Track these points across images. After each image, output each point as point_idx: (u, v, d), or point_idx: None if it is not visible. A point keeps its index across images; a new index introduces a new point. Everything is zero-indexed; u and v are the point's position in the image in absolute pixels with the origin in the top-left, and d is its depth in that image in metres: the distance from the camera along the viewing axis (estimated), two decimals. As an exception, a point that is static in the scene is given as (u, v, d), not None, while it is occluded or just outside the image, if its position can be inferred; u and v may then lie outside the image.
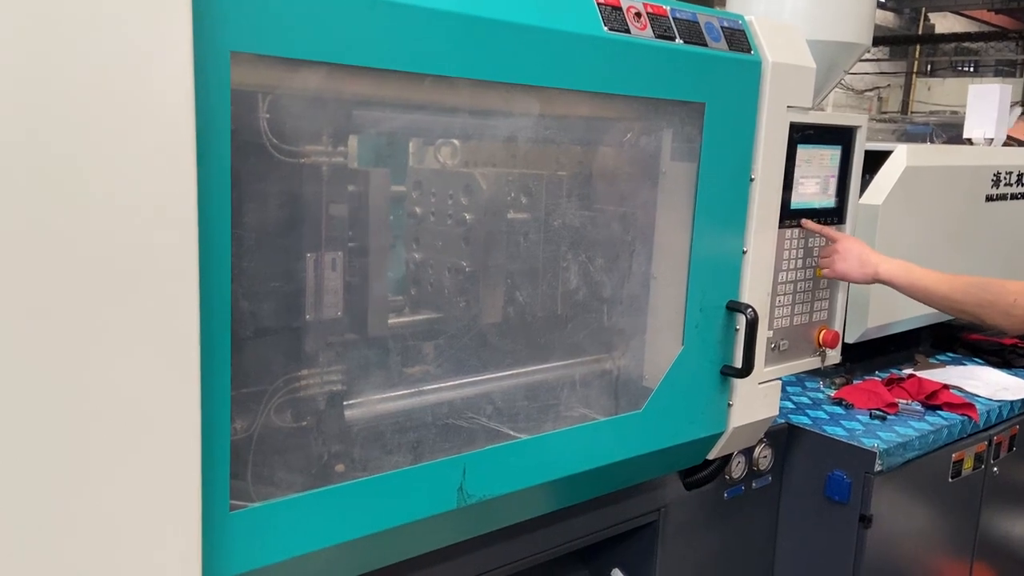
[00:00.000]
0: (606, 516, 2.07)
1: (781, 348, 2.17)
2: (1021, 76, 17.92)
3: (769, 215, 1.99)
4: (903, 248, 2.51)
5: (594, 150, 1.92)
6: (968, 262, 2.94)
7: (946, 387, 2.81)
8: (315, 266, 1.48)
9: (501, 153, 1.81)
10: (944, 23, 18.60)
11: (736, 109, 1.86)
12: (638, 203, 1.96)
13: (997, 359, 3.26)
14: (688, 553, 2.32)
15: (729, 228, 1.92)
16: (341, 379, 1.56)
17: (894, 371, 3.03)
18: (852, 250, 2.18)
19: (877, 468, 2.37)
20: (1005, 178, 3.18)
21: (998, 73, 19.59)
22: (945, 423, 2.59)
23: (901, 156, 2.73)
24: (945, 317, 2.91)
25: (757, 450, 2.40)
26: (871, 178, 2.70)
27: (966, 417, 2.66)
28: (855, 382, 2.88)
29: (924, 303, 2.20)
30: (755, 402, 2.06)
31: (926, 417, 2.64)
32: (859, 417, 2.61)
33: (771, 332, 2.12)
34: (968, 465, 2.70)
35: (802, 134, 2.08)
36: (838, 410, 2.67)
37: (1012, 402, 2.84)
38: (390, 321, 1.69)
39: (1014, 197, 3.24)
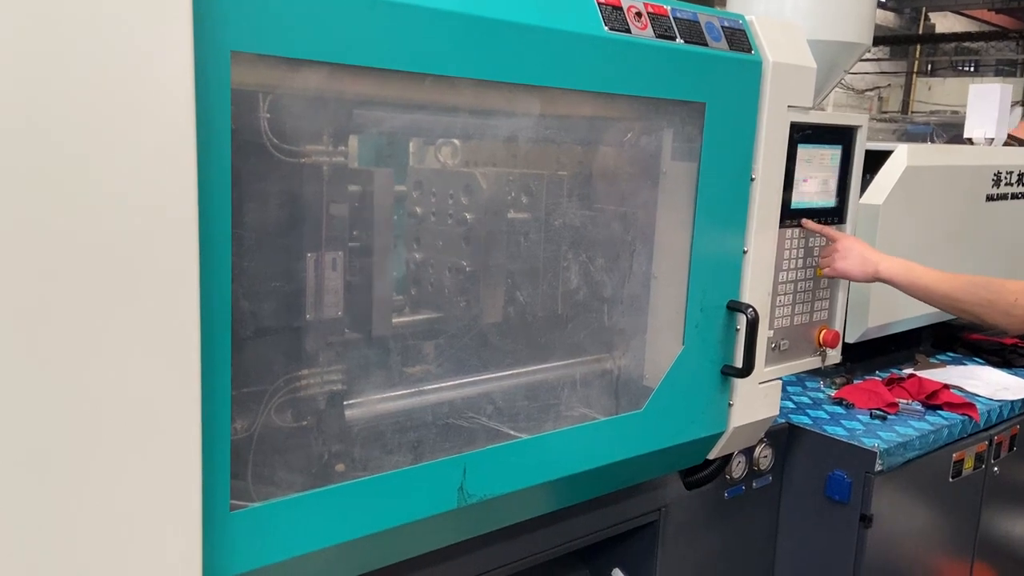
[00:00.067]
0: (606, 516, 2.07)
1: (781, 348, 2.17)
2: (1021, 76, 17.92)
3: (770, 215, 1.99)
4: (904, 248, 2.51)
5: (595, 150, 1.92)
6: (969, 262, 2.94)
7: (946, 387, 2.81)
8: (315, 266, 1.48)
9: (501, 153, 1.81)
10: (944, 23, 18.60)
11: (737, 109, 1.86)
12: (639, 203, 1.95)
13: (997, 359, 3.26)
14: (688, 553, 2.32)
15: (730, 228, 1.92)
16: (341, 379, 1.56)
17: (894, 371, 3.03)
18: (853, 249, 2.18)
19: (877, 468, 2.37)
20: (1006, 178, 3.18)
21: (998, 73, 19.59)
22: (945, 423, 2.59)
23: (902, 156, 2.73)
24: (946, 317, 2.91)
25: (757, 450, 2.40)
26: (871, 178, 2.70)
27: (966, 417, 2.66)
28: (855, 382, 2.87)
29: (925, 302, 2.20)
30: (755, 402, 2.06)
31: (926, 417, 2.64)
32: (859, 417, 2.61)
33: (771, 332, 2.12)
34: (968, 465, 2.70)
35: (803, 134, 2.08)
36: (839, 410, 2.67)
37: (1012, 402, 2.84)
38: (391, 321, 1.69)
39: (1014, 197, 3.24)
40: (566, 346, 1.91)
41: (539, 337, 1.87)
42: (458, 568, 1.78)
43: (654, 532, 2.22)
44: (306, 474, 1.49)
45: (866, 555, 2.42)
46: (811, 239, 2.21)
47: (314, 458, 1.52)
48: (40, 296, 0.98)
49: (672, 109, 1.85)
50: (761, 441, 2.37)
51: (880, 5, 15.67)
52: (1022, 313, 2.04)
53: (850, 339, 2.68)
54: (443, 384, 1.71)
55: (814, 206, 2.20)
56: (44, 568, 1.04)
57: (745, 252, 1.95)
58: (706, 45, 1.77)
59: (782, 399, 2.20)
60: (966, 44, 19.16)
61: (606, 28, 1.59)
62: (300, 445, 1.50)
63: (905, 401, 2.74)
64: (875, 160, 2.69)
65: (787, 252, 2.15)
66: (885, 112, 18.25)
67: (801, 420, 2.55)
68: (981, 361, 3.28)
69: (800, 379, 2.91)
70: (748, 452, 2.37)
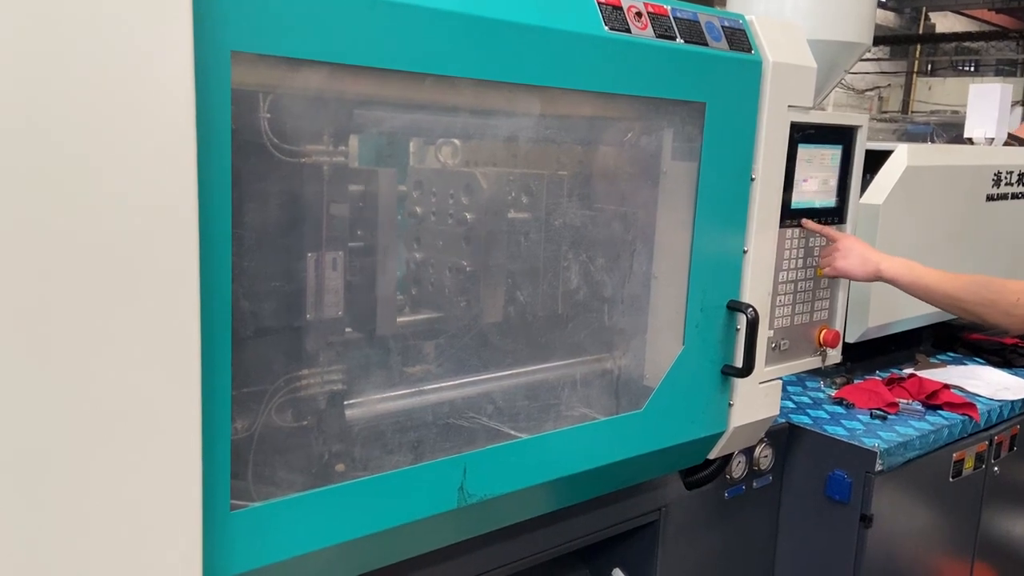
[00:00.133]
0: (607, 516, 2.07)
1: (782, 348, 2.17)
2: (1022, 76, 17.92)
3: (770, 215, 1.99)
4: (904, 248, 2.51)
5: (595, 150, 1.92)
6: (969, 262, 2.93)
7: (947, 387, 2.81)
8: (315, 266, 1.48)
9: (502, 153, 1.81)
10: (945, 22, 18.59)
11: (737, 109, 1.86)
12: (639, 203, 1.95)
13: (998, 359, 3.26)
14: (689, 553, 2.32)
15: (730, 228, 1.92)
16: (342, 379, 1.56)
17: (895, 371, 3.03)
18: (853, 248, 2.18)
19: (878, 468, 2.37)
20: (1006, 178, 3.18)
21: (999, 73, 19.58)
22: (946, 423, 2.59)
23: (902, 156, 2.73)
24: (946, 317, 2.91)
25: (758, 450, 2.40)
26: (872, 178, 2.70)
27: (967, 417, 2.66)
28: (856, 382, 2.87)
29: (926, 301, 2.20)
30: (756, 402, 2.06)
31: (927, 417, 2.64)
32: (860, 417, 2.61)
33: (772, 332, 2.12)
34: (969, 465, 2.70)
35: (803, 134, 2.08)
36: (839, 409, 2.67)
37: (1013, 402, 2.84)
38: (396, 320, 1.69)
39: (1015, 197, 3.24)
40: (566, 346, 1.91)
41: (539, 337, 1.87)
42: (458, 568, 1.78)
43: (654, 532, 2.22)
44: (306, 474, 1.49)
45: (866, 555, 2.42)
46: (811, 239, 2.21)
47: (314, 458, 1.52)
48: (40, 296, 0.98)
49: (672, 109, 1.85)
50: (761, 441, 2.37)
51: (880, 5, 15.67)
52: (1023, 313, 2.04)
53: (850, 339, 2.68)
54: (443, 384, 1.71)
55: (814, 206, 2.20)
56: (45, 568, 1.04)
57: (745, 252, 1.95)
58: (706, 45, 1.77)
59: (782, 399, 2.20)
60: (966, 44, 19.15)
61: (606, 28, 1.59)
62: (300, 445, 1.50)
63: (905, 401, 2.74)
64: (875, 160, 2.69)
65: (787, 252, 2.15)
66: (885, 112, 18.25)
67: (801, 420, 2.55)
68: (981, 361, 3.28)
69: (800, 379, 2.91)
70: (748, 452, 2.37)
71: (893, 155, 2.75)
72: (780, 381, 2.15)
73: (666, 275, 1.94)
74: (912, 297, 2.21)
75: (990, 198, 3.13)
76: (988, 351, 3.33)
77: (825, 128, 2.16)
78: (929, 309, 2.32)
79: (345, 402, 1.57)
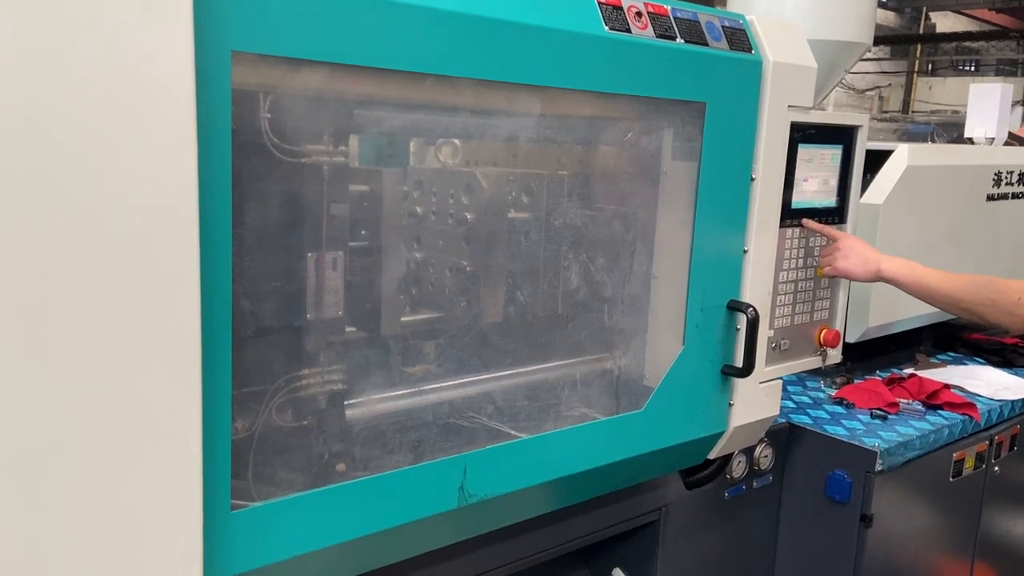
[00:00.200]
0: (607, 516, 2.07)
1: (782, 347, 2.17)
2: (1022, 75, 17.91)
3: (770, 215, 1.99)
4: (904, 248, 2.51)
5: (595, 149, 1.92)
6: (969, 262, 2.93)
7: (947, 386, 2.81)
8: (316, 266, 1.48)
9: (502, 152, 1.81)
10: (945, 22, 18.59)
11: (737, 109, 1.86)
12: (639, 203, 1.95)
13: (998, 358, 3.26)
14: (689, 552, 2.32)
15: (730, 227, 1.92)
16: (342, 378, 1.56)
17: (895, 370, 3.03)
18: (854, 248, 2.18)
19: (878, 467, 2.37)
20: (1006, 177, 3.18)
21: (999, 72, 19.57)
22: (946, 423, 2.59)
23: (902, 155, 2.73)
24: (946, 317, 2.91)
25: (758, 449, 2.40)
26: (872, 177, 2.70)
27: (967, 416, 2.66)
28: (856, 381, 2.87)
29: (927, 301, 2.20)
30: (756, 401, 2.06)
31: (927, 416, 2.64)
32: (860, 416, 2.61)
33: (772, 331, 2.12)
34: (969, 465, 2.70)
35: (803, 133, 2.08)
36: (839, 409, 2.67)
37: (1013, 401, 2.84)
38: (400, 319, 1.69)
39: (1015, 196, 3.24)
40: (566, 346, 1.91)
41: (539, 337, 1.87)
42: (458, 568, 1.79)
43: (654, 532, 2.22)
44: (307, 474, 1.49)
45: (866, 555, 2.42)
46: (811, 239, 2.21)
47: (314, 458, 1.52)
48: (40, 296, 0.98)
49: (672, 109, 1.85)
50: (761, 441, 2.37)
51: (880, 5, 15.66)
52: (1024, 312, 2.04)
53: (851, 339, 2.68)
54: (443, 384, 1.71)
55: (815, 206, 2.20)
56: (45, 568, 1.04)
57: (745, 252, 1.95)
58: (706, 45, 1.77)
59: (782, 399, 2.20)
60: (967, 44, 19.15)
61: (606, 28, 1.59)
62: (301, 445, 1.50)
63: (906, 401, 2.74)
64: (876, 160, 2.69)
65: (787, 252, 2.15)
66: (886, 112, 18.23)
67: (801, 420, 2.55)
68: (982, 361, 3.28)
69: (800, 379, 2.91)
70: (748, 452, 2.37)
71: (893, 155, 2.75)
72: (780, 381, 2.15)
73: (666, 275, 1.94)
74: (912, 297, 2.21)
75: (990, 198, 3.13)
76: (988, 351, 3.33)
77: (825, 128, 2.16)
78: (929, 309, 2.32)
79: (345, 402, 1.57)
